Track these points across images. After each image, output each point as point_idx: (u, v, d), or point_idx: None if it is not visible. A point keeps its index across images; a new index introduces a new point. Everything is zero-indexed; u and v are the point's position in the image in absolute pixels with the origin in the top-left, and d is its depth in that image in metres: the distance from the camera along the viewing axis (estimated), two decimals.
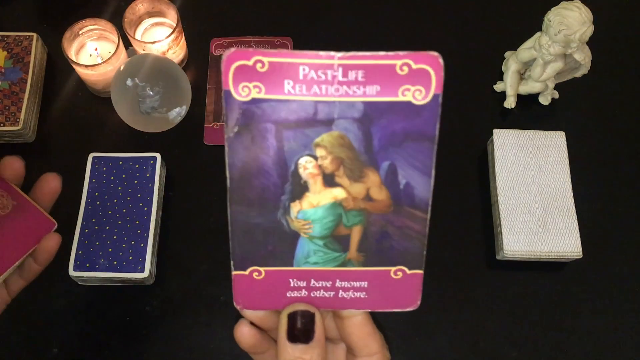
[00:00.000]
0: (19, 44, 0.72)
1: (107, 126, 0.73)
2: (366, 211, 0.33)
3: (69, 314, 0.64)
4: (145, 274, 0.61)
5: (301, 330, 0.33)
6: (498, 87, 0.75)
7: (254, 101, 0.30)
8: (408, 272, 0.34)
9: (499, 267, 0.67)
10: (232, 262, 0.33)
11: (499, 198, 0.66)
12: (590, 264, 0.67)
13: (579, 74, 0.71)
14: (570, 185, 0.67)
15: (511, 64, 0.73)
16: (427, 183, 0.32)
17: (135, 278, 0.61)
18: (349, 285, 0.34)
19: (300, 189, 0.32)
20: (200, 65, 0.76)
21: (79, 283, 0.64)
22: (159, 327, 0.64)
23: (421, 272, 0.34)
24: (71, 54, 0.70)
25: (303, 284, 0.34)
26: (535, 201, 0.66)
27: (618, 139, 0.74)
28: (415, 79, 0.30)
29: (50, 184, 0.51)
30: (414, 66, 0.30)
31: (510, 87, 0.73)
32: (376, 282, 0.34)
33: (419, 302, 0.35)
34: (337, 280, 0.34)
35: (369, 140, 0.32)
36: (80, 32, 0.71)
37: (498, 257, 0.67)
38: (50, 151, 0.72)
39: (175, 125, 0.70)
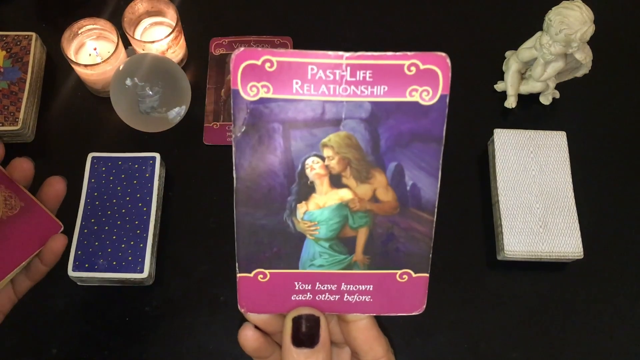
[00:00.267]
0: (18, 43, 0.71)
1: (106, 126, 0.72)
2: (372, 212, 0.33)
3: (69, 314, 0.64)
4: (145, 275, 0.61)
5: (306, 334, 0.33)
6: (499, 86, 0.75)
7: (262, 101, 0.30)
8: (414, 275, 0.34)
9: (500, 268, 0.67)
10: (237, 264, 0.33)
11: (499, 198, 0.66)
12: (591, 264, 0.66)
13: (579, 74, 0.71)
14: (571, 186, 0.67)
15: (512, 63, 0.73)
16: (434, 185, 0.32)
17: (135, 278, 0.61)
18: (354, 289, 0.34)
19: (306, 190, 0.32)
20: (200, 65, 0.76)
21: (78, 283, 0.64)
22: (159, 327, 0.63)
23: (427, 275, 0.34)
24: (70, 53, 0.69)
25: (308, 287, 0.34)
26: (536, 201, 0.66)
27: (619, 138, 0.74)
28: (423, 80, 0.30)
29: (56, 186, 0.51)
30: (421, 67, 0.30)
31: (511, 86, 0.73)
32: (382, 286, 0.34)
33: (424, 306, 0.35)
34: (343, 284, 0.34)
35: (376, 141, 0.31)
36: (79, 32, 0.70)
37: (499, 258, 0.67)
38: (49, 151, 0.71)
39: (175, 125, 0.70)
